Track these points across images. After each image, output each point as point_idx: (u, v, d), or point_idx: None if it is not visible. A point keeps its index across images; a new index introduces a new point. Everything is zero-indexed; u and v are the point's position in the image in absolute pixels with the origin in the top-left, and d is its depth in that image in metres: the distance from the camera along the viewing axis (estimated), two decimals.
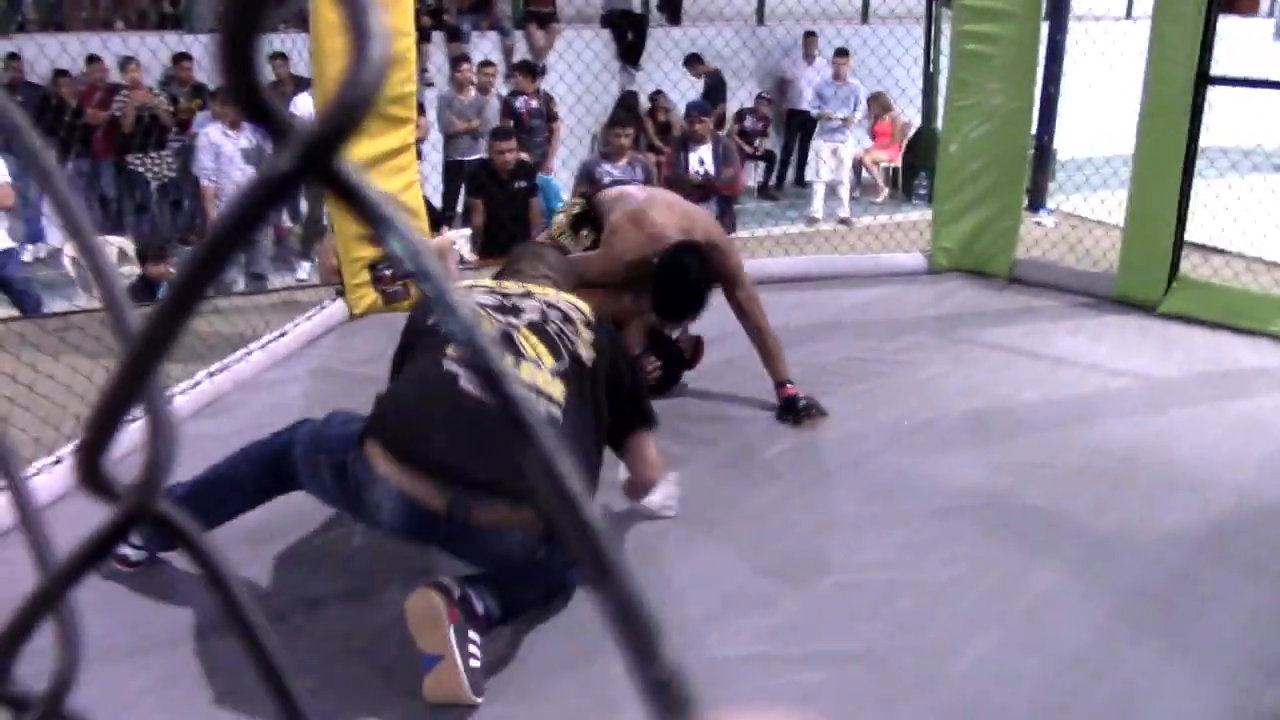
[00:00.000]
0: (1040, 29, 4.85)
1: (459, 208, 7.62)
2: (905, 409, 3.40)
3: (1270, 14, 12.66)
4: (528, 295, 2.37)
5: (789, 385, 3.34)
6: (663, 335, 3.44)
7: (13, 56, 7.71)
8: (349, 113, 0.27)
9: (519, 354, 2.17)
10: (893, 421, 3.30)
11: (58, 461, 2.87)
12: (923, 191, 8.85)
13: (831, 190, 8.86)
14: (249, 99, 0.28)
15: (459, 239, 6.51)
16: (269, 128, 0.28)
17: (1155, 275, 4.37)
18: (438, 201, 7.45)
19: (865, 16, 10.92)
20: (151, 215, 8.03)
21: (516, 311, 2.29)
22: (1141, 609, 2.30)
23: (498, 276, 2.63)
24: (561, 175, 7.55)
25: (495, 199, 5.94)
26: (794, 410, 3.29)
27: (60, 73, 7.68)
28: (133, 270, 6.09)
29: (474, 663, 1.92)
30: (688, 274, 3.10)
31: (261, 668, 0.39)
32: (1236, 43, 6.70)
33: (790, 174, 10.39)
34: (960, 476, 2.92)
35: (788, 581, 2.40)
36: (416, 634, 1.92)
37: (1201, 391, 3.57)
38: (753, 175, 9.73)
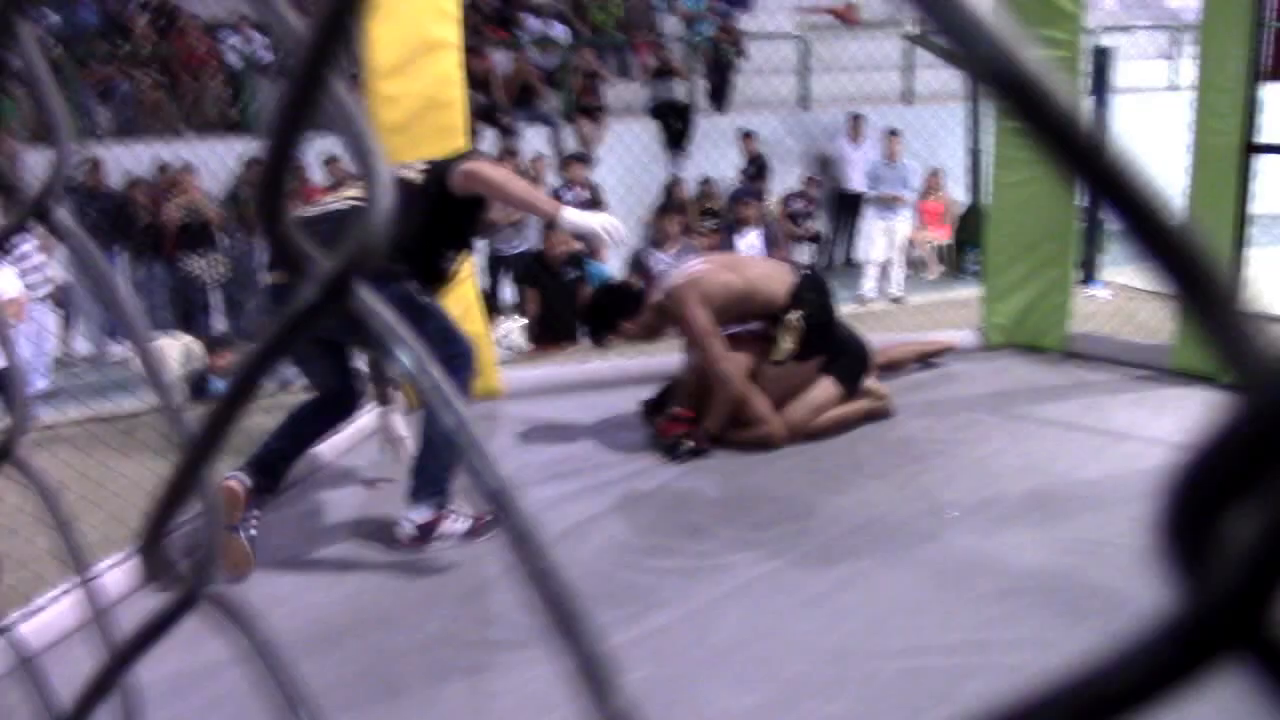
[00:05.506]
0: (1084, 102, 4.88)
1: (505, 298, 7.78)
2: (964, 488, 3.36)
3: None
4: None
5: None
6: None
7: (94, 164, 8.07)
8: (362, 250, 0.31)
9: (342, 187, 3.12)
10: (952, 501, 3.26)
11: (127, 558, 2.95)
12: (974, 268, 8.84)
13: (882, 269, 8.89)
14: (279, 244, 0.33)
15: (514, 329, 6.62)
16: (293, 261, 0.33)
17: None
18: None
19: (908, 97, 11.06)
20: (209, 316, 8.28)
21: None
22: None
23: None
24: (612, 263, 7.67)
25: (548, 289, 6.05)
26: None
27: (135, 180, 8.03)
28: (197, 366, 6.28)
29: (252, 534, 2.83)
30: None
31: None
32: None
33: (839, 254, 10.44)
34: (1023, 556, 2.87)
35: (850, 668, 2.36)
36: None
37: None
38: (804, 257, 9.80)
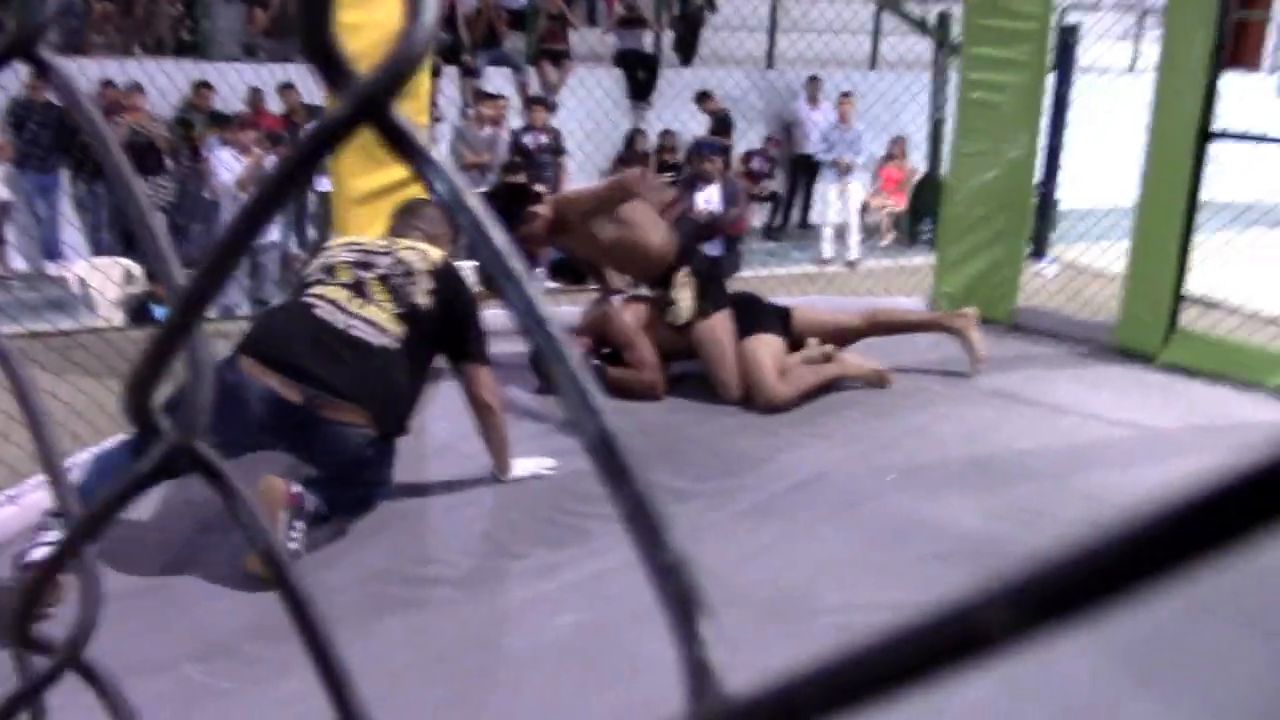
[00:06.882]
0: (1046, 80, 4.91)
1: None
2: (904, 452, 3.41)
3: (1272, 70, 12.75)
4: (387, 252, 2.87)
5: None
6: None
7: (39, 74, 7.78)
8: (401, 66, 0.29)
9: (366, 298, 2.74)
10: (891, 465, 3.30)
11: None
12: (926, 237, 8.90)
13: (838, 233, 8.91)
14: (320, 49, 0.30)
15: (465, 269, 6.55)
16: (331, 75, 0.30)
17: (1155, 326, 4.39)
18: None
19: (873, 63, 11.04)
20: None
21: (370, 266, 2.82)
22: (1137, 660, 2.30)
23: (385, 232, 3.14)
24: None
25: None
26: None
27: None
28: (136, 290, 6.13)
29: (293, 545, 2.46)
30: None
31: (284, 596, 0.40)
32: (1239, 98, 6.77)
33: (795, 216, 10.45)
34: (958, 522, 2.92)
35: (780, 622, 2.39)
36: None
37: (1201, 443, 3.58)
38: (758, 216, 9.78)
